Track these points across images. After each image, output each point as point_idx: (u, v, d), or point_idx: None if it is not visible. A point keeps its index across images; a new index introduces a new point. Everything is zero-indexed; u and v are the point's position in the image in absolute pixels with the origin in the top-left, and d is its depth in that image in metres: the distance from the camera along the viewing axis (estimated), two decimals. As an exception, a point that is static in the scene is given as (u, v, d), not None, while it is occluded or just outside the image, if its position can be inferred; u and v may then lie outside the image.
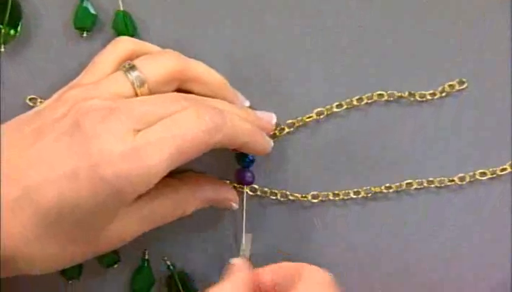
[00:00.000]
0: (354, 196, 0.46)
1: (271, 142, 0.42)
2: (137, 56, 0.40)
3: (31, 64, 0.44)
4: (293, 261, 0.39)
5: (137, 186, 0.34)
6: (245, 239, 0.43)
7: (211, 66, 0.42)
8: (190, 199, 0.40)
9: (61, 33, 0.44)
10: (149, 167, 0.34)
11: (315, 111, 0.45)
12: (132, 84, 0.37)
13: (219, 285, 0.36)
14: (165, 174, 0.35)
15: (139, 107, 0.36)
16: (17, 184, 0.34)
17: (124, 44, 0.40)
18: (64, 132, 0.35)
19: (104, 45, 0.44)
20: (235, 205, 0.43)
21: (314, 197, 0.45)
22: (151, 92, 0.38)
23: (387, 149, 0.46)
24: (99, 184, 0.33)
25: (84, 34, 0.44)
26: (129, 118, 0.35)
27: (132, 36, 0.44)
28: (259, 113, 0.43)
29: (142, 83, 0.37)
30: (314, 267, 0.37)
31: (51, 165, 0.34)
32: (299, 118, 0.45)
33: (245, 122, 0.39)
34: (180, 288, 0.44)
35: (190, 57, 0.42)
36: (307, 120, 0.45)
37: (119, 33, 0.45)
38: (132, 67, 0.38)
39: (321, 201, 0.45)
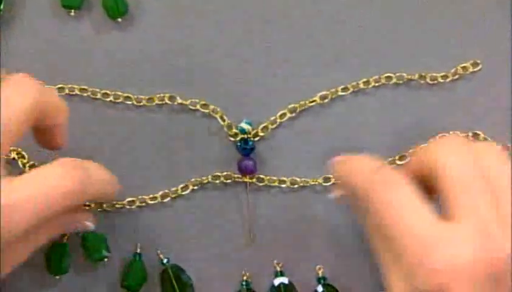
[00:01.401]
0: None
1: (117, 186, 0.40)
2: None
3: (15, 44, 0.44)
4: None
5: (4, 239, 0.33)
6: None
7: (207, 43, 0.42)
8: (39, 234, 0.38)
9: (47, 12, 0.44)
10: (12, 229, 0.32)
11: (319, 94, 0.44)
12: None
13: None
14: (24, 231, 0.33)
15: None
16: None
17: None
18: None
19: (93, 25, 0.43)
20: (91, 225, 0.41)
21: (325, 180, 0.44)
22: None
23: (396, 135, 0.44)
24: None
25: (72, 13, 0.44)
26: None
27: (122, 15, 0.44)
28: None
29: None
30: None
31: None
32: (302, 102, 0.44)
33: (105, 175, 0.39)
34: (174, 283, 0.43)
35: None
36: (310, 104, 0.44)
37: (109, 12, 0.44)
38: None
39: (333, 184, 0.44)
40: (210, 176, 0.43)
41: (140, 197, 0.43)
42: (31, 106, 0.33)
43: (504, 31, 0.45)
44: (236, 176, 0.43)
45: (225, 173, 0.43)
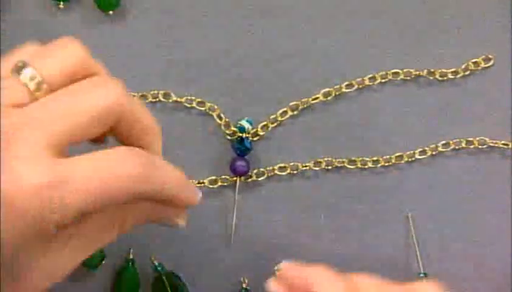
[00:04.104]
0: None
1: (199, 193, 0.38)
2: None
3: (2, 38, 0.43)
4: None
5: (56, 222, 0.32)
6: None
7: (207, 39, 0.43)
8: (124, 217, 0.37)
9: (35, 4, 0.43)
10: (67, 206, 0.31)
11: (322, 91, 0.44)
12: (27, 86, 0.33)
13: None
14: (83, 214, 0.32)
15: (53, 113, 0.32)
16: None
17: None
18: None
19: (83, 18, 0.44)
20: (181, 223, 0.39)
21: (327, 164, 0.44)
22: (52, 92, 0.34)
23: (403, 134, 0.44)
24: (15, 217, 0.31)
25: (61, 5, 0.44)
26: (44, 133, 0.32)
27: (114, 7, 0.44)
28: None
29: (39, 85, 0.33)
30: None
31: None
32: (304, 99, 0.44)
33: (175, 172, 0.36)
34: (169, 290, 0.42)
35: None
36: (313, 101, 0.44)
37: (100, 4, 0.44)
38: (24, 66, 0.33)
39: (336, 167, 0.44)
40: (206, 180, 0.43)
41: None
42: (108, 109, 0.33)
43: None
44: (233, 178, 0.43)
45: (222, 177, 0.43)
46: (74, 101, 0.32)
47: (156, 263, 0.43)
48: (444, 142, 0.43)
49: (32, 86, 0.32)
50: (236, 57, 0.44)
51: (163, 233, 0.43)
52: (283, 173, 0.43)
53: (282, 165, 0.43)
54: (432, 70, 0.44)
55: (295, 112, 0.44)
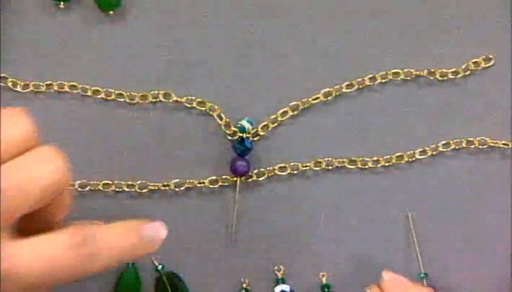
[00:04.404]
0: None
1: (162, 233, 0.36)
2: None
3: (2, 38, 0.43)
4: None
5: None
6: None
7: (207, 39, 0.43)
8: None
9: (35, 4, 0.43)
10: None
11: (322, 91, 0.44)
12: None
13: None
14: None
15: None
16: None
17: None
18: None
19: (84, 18, 0.43)
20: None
21: (327, 164, 0.44)
22: None
23: (403, 134, 0.44)
24: None
25: (61, 5, 0.43)
26: None
27: (115, 7, 0.44)
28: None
29: None
30: None
31: None
32: (304, 99, 0.44)
33: (123, 239, 0.35)
34: (169, 290, 0.42)
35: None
36: (313, 101, 0.44)
37: (100, 5, 0.44)
38: None
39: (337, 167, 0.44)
40: (207, 181, 0.43)
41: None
42: (51, 185, 0.32)
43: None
44: (234, 178, 0.43)
45: (223, 177, 0.43)
46: (24, 176, 0.31)
47: (156, 263, 0.42)
48: (444, 142, 0.43)
49: None
50: (236, 57, 0.44)
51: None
52: (283, 173, 0.43)
53: (282, 165, 0.43)
54: (432, 70, 0.44)
55: (296, 112, 0.43)
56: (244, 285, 0.42)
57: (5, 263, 0.31)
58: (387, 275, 0.40)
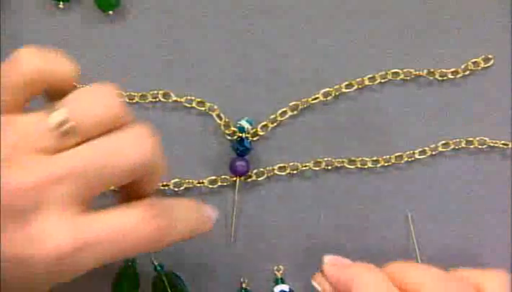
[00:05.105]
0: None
1: (213, 214, 0.38)
2: (46, 80, 0.33)
3: (2, 38, 0.43)
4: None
5: (62, 280, 0.32)
6: None
7: (207, 39, 0.43)
8: None
9: (34, 4, 0.43)
10: (82, 267, 0.32)
11: (322, 91, 0.44)
12: (59, 134, 0.32)
13: None
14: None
15: (87, 167, 0.31)
16: None
17: (29, 61, 0.33)
18: None
19: (83, 18, 0.43)
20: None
21: (327, 164, 0.44)
22: (80, 142, 0.33)
23: (403, 134, 0.44)
24: (26, 269, 0.31)
25: (61, 5, 0.43)
26: (74, 188, 0.31)
27: (114, 7, 0.43)
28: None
29: (71, 133, 0.32)
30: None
31: None
32: (304, 99, 0.44)
33: (192, 214, 0.37)
34: (169, 290, 0.42)
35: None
36: (313, 101, 0.44)
37: (100, 5, 0.43)
38: (56, 109, 0.32)
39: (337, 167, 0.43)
40: (206, 180, 0.43)
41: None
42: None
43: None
44: (233, 178, 0.43)
45: (222, 177, 0.43)
46: (109, 156, 0.32)
47: (156, 263, 0.42)
48: (444, 142, 0.43)
49: (61, 131, 0.31)
50: (236, 57, 0.44)
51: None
52: (283, 173, 0.43)
53: (282, 165, 0.43)
54: (432, 70, 0.44)
55: (295, 112, 0.43)
56: (244, 285, 0.42)
57: (80, 234, 0.31)
58: (326, 258, 0.39)
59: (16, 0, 0.43)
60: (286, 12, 0.44)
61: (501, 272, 0.36)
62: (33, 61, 0.32)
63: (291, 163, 0.43)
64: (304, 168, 0.43)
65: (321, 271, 0.39)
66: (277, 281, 0.42)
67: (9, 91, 0.32)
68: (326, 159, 0.43)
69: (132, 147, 0.32)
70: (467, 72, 0.44)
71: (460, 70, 0.44)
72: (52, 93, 0.33)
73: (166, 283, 0.42)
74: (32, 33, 0.43)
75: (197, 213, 0.37)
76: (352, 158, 0.43)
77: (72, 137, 0.31)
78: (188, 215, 0.36)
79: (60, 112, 0.31)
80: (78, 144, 0.32)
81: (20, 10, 0.43)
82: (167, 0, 0.44)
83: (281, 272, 0.42)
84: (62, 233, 0.31)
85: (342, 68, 0.44)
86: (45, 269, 0.31)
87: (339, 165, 0.43)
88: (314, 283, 0.39)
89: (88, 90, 0.33)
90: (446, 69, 0.44)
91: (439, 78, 0.44)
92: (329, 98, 0.43)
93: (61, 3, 0.43)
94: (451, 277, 0.36)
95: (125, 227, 0.32)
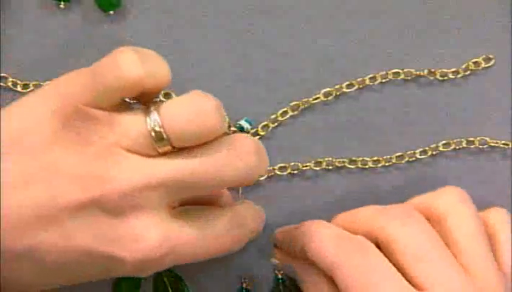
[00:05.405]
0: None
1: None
2: (143, 86, 0.33)
3: (2, 38, 0.43)
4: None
5: (149, 272, 0.34)
6: None
7: (207, 39, 0.42)
8: None
9: (35, 4, 0.43)
10: (156, 270, 0.33)
11: (323, 91, 0.44)
12: (154, 140, 0.32)
13: None
14: None
15: (180, 181, 0.32)
16: (23, 240, 0.31)
17: (130, 68, 0.32)
18: (86, 202, 0.31)
19: (84, 18, 0.43)
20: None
21: (328, 164, 0.43)
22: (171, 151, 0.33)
23: (404, 134, 0.44)
24: (116, 266, 0.32)
25: (62, 5, 0.43)
26: (165, 198, 0.32)
27: (115, 7, 0.43)
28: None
29: (166, 141, 0.32)
30: None
31: (66, 234, 0.31)
32: (304, 99, 0.43)
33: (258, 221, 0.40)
34: (169, 290, 0.42)
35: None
36: (314, 101, 0.43)
37: (101, 5, 0.43)
38: (155, 118, 0.32)
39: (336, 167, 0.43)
40: None
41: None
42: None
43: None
44: None
45: None
46: (207, 170, 0.32)
47: (156, 263, 0.42)
48: (445, 142, 0.43)
49: (155, 137, 0.31)
50: (236, 57, 0.43)
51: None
52: (284, 173, 0.43)
53: (283, 165, 0.43)
54: (433, 70, 0.43)
55: (296, 112, 0.43)
56: (244, 285, 0.42)
57: (168, 240, 0.32)
58: (277, 231, 0.41)
59: (16, 0, 0.43)
60: (286, 12, 0.44)
61: (447, 188, 0.37)
62: (134, 70, 0.31)
63: (292, 163, 0.43)
64: (305, 168, 0.43)
65: (275, 245, 0.41)
66: (278, 281, 0.42)
67: (102, 88, 0.32)
68: (327, 159, 0.43)
69: (236, 160, 0.33)
70: (468, 72, 0.44)
71: (460, 70, 0.44)
72: (143, 95, 0.33)
73: (167, 283, 0.42)
74: (32, 33, 0.43)
75: (260, 218, 0.39)
76: (353, 158, 0.43)
77: (165, 145, 0.31)
78: (256, 223, 0.38)
79: (155, 118, 0.31)
80: (172, 152, 0.32)
81: (20, 10, 0.43)
82: (167, 0, 0.44)
83: (281, 272, 0.42)
84: (154, 238, 0.31)
85: (342, 68, 0.44)
86: (132, 269, 0.32)
87: (339, 165, 0.43)
88: (272, 260, 0.40)
89: (188, 100, 0.32)
90: (447, 68, 0.44)
91: (440, 78, 0.43)
92: (330, 98, 0.43)
93: (61, 3, 0.42)
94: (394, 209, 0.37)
95: (210, 236, 0.34)
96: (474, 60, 0.44)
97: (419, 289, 0.33)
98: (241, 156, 0.33)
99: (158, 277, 0.42)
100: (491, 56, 0.44)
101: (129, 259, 0.31)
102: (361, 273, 0.34)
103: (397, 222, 0.35)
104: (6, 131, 0.31)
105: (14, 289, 0.33)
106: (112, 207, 0.31)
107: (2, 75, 0.42)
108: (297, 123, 0.43)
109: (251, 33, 0.43)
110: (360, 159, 0.43)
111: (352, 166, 0.43)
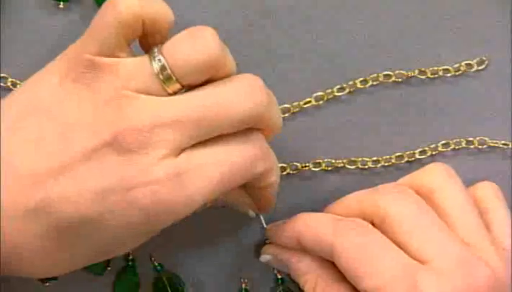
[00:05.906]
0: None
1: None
2: (142, 23, 0.33)
3: (2, 38, 0.43)
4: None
5: (173, 215, 0.33)
6: None
7: None
8: None
9: (34, 4, 0.43)
10: (188, 197, 0.32)
11: (314, 95, 0.44)
12: (161, 80, 0.32)
13: None
14: (203, 205, 0.33)
15: (189, 123, 0.32)
16: (35, 194, 0.31)
17: (125, 4, 0.33)
18: (98, 145, 0.31)
19: (83, 18, 0.43)
20: (252, 213, 0.41)
21: (327, 164, 0.44)
22: (181, 89, 0.33)
23: (403, 134, 0.44)
24: (130, 208, 0.31)
25: (61, 5, 0.43)
26: (178, 135, 0.31)
27: None
28: None
29: (173, 79, 0.32)
30: None
31: (77, 180, 0.31)
32: (295, 103, 0.43)
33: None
34: (169, 290, 0.42)
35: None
36: (305, 105, 0.43)
37: (100, 4, 0.42)
38: (159, 58, 0.32)
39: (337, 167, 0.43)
40: None
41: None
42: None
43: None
44: None
45: None
46: (221, 105, 0.32)
47: (156, 263, 0.42)
48: (444, 142, 0.43)
49: (162, 77, 0.32)
50: (236, 57, 0.43)
51: (163, 233, 0.41)
52: (283, 173, 0.43)
53: (282, 165, 0.43)
54: (433, 69, 0.43)
55: (287, 115, 0.43)
56: (244, 285, 0.42)
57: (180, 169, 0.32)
58: (267, 227, 0.41)
59: (16, 0, 0.43)
60: (286, 12, 0.44)
61: (433, 164, 0.38)
62: (130, 4, 0.32)
63: (291, 164, 0.43)
64: (304, 168, 0.43)
65: (265, 242, 0.41)
66: (278, 281, 0.42)
67: (104, 32, 0.32)
68: (326, 159, 0.43)
69: (245, 96, 0.33)
70: (468, 72, 0.44)
71: (460, 70, 0.44)
72: (149, 39, 0.34)
73: (166, 283, 0.42)
74: (32, 33, 0.43)
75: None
76: (353, 158, 0.43)
77: (173, 83, 0.32)
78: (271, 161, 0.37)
79: (159, 58, 0.32)
80: (180, 91, 0.32)
81: (20, 10, 0.43)
82: (167, 1, 0.44)
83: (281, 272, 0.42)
84: (163, 171, 0.31)
85: (342, 68, 0.44)
86: (146, 207, 0.31)
87: (339, 166, 0.43)
88: (262, 257, 0.40)
89: (187, 35, 0.33)
90: (447, 68, 0.43)
91: (440, 78, 0.43)
92: (321, 102, 0.43)
93: (61, 3, 0.42)
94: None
95: (231, 158, 0.33)
96: (474, 60, 0.44)
97: (420, 263, 0.33)
98: (249, 90, 0.33)
99: (157, 277, 0.42)
100: (491, 56, 0.44)
101: (140, 196, 0.31)
102: (361, 250, 0.34)
103: (389, 197, 0.36)
104: (21, 101, 0.33)
105: (22, 270, 0.33)
106: (125, 146, 0.31)
107: (2, 75, 0.42)
108: (296, 123, 0.43)
109: (251, 34, 0.43)
110: (360, 159, 0.43)
111: (351, 167, 0.43)
